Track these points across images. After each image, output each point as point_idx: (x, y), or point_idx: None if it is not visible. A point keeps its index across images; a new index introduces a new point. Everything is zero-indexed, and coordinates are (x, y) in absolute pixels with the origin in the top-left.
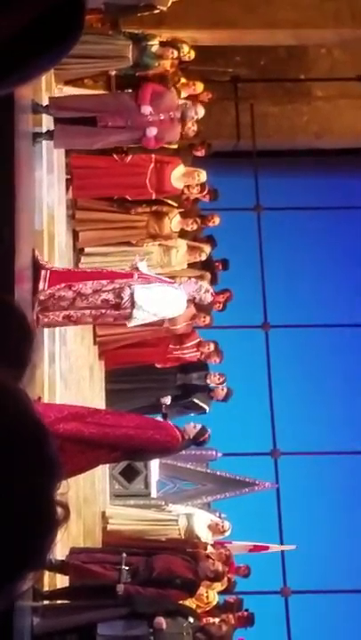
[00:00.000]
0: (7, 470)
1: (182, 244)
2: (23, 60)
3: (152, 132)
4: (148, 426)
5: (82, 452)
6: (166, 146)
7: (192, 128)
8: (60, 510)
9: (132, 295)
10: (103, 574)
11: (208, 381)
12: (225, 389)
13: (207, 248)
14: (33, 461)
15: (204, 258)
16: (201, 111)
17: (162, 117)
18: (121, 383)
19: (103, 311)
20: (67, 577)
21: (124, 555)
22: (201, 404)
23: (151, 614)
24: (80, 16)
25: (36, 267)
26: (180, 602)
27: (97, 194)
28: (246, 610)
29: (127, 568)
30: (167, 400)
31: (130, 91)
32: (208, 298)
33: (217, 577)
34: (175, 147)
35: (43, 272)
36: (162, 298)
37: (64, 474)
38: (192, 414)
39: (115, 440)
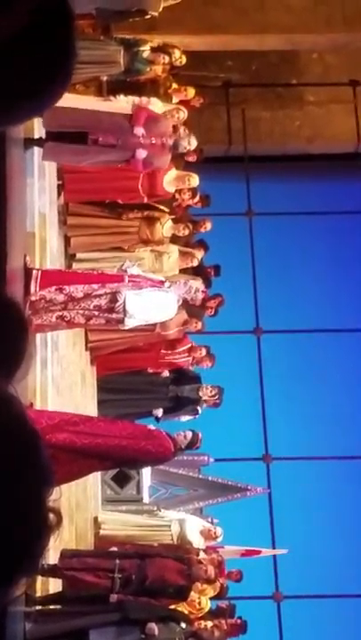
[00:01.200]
0: None
1: (174, 250)
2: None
3: (141, 154)
4: (141, 435)
5: (74, 461)
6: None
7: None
8: (52, 516)
9: (124, 302)
10: (97, 584)
11: (200, 394)
12: (217, 402)
13: (199, 254)
14: (25, 468)
15: (195, 263)
16: (194, 142)
17: (153, 141)
18: (113, 392)
19: (96, 313)
20: (60, 581)
21: (117, 561)
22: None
23: (143, 620)
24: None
25: (27, 270)
26: (173, 607)
27: (89, 198)
28: (239, 617)
29: (120, 576)
30: (159, 413)
31: (121, 97)
32: (199, 297)
33: (209, 581)
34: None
35: (34, 272)
36: (153, 303)
37: (56, 481)
38: (184, 417)
39: (107, 450)
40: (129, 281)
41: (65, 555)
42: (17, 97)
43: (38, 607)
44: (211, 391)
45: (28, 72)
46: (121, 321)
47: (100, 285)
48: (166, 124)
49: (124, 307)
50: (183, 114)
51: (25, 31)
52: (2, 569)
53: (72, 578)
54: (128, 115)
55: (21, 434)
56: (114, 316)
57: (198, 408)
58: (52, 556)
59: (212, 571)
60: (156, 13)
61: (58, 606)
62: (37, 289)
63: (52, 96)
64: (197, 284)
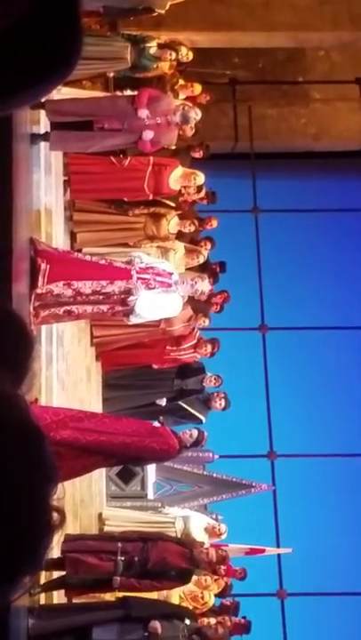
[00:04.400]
0: (3, 474)
1: (180, 247)
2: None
3: (148, 135)
4: (146, 433)
5: (78, 457)
6: (165, 147)
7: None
8: (55, 515)
9: (136, 299)
10: (99, 566)
11: (204, 384)
12: (223, 403)
13: (205, 251)
14: (29, 466)
15: (202, 260)
16: (199, 113)
17: (159, 121)
18: (118, 388)
19: (104, 308)
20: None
21: (120, 544)
22: (197, 414)
23: (147, 618)
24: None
25: (34, 263)
26: (178, 603)
27: (95, 197)
28: (244, 617)
29: (123, 558)
30: (162, 402)
31: (128, 93)
32: (206, 292)
33: (211, 564)
34: (173, 148)
35: (42, 266)
36: (159, 303)
37: (60, 478)
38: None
39: (111, 448)
40: (138, 279)
41: (68, 539)
42: (23, 74)
43: (42, 603)
44: (215, 381)
45: (30, 56)
46: (127, 314)
47: (109, 282)
48: (169, 102)
49: (134, 303)
50: (199, 112)
51: (27, 17)
52: (5, 567)
53: (74, 560)
54: (130, 97)
55: (25, 432)
56: (123, 308)
57: (202, 417)
58: (55, 553)
59: (213, 554)
60: (162, 11)
61: (61, 590)
62: (45, 282)
63: (59, 74)
64: (204, 285)
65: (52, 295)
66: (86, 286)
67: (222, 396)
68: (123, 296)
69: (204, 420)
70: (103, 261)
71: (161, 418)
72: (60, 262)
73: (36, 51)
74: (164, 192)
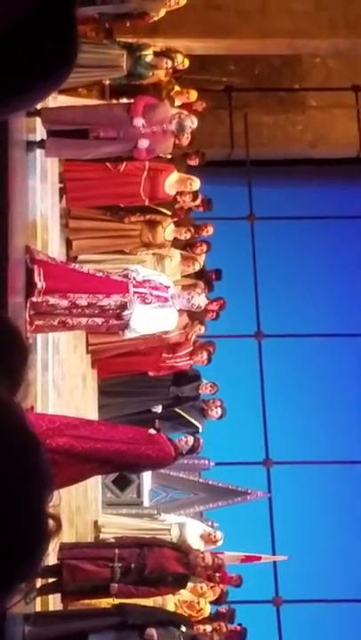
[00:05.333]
0: None
1: (176, 254)
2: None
3: (144, 143)
4: (142, 440)
5: (74, 465)
6: (161, 155)
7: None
8: (51, 522)
9: (131, 314)
10: (96, 572)
11: (200, 392)
12: (219, 412)
13: (201, 258)
14: (25, 473)
15: (197, 268)
16: (195, 121)
17: (154, 129)
18: (114, 395)
19: (99, 322)
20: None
21: (117, 551)
22: (194, 421)
23: (143, 625)
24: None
25: (31, 272)
26: (174, 610)
27: (91, 204)
28: (239, 624)
29: (120, 565)
30: (158, 409)
31: (124, 100)
32: (202, 306)
33: (207, 569)
34: (169, 157)
35: (39, 278)
36: (155, 317)
37: (56, 485)
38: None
39: (107, 455)
40: (134, 293)
41: (64, 547)
42: (23, 75)
43: (38, 609)
44: (211, 389)
45: (30, 57)
46: (123, 329)
47: (106, 296)
48: (164, 110)
49: (129, 318)
50: (195, 120)
51: (26, 17)
52: (1, 574)
53: (72, 567)
54: (126, 105)
55: (21, 439)
56: (118, 322)
57: (199, 425)
58: (50, 561)
59: (209, 558)
60: (157, 14)
61: (57, 594)
62: (41, 293)
63: (58, 75)
64: (201, 299)
65: (48, 305)
66: (82, 298)
67: (218, 404)
68: (118, 310)
69: (200, 429)
70: (100, 274)
71: (157, 423)
72: (57, 274)
73: (35, 51)
74: (160, 197)
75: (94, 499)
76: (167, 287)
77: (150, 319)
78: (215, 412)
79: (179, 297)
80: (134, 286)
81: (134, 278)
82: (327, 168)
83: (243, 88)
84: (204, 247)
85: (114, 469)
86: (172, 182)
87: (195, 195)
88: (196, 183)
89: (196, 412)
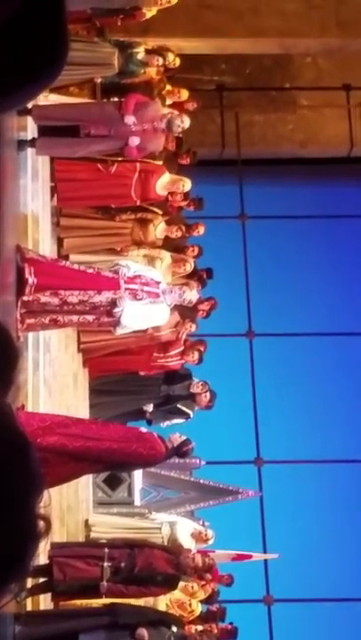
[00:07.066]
0: None
1: (166, 256)
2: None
3: (134, 141)
4: (133, 438)
5: (65, 464)
6: (150, 160)
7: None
8: (41, 523)
9: (122, 311)
10: (86, 570)
11: (191, 390)
12: (207, 396)
13: (191, 259)
14: (15, 473)
15: (189, 269)
16: (187, 121)
17: (145, 127)
18: (105, 394)
19: (90, 319)
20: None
21: (106, 550)
22: (185, 409)
23: (133, 625)
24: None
25: (22, 271)
26: (165, 610)
27: (82, 204)
28: (230, 623)
29: (109, 564)
30: (149, 408)
31: (115, 99)
32: (194, 301)
33: (197, 569)
34: (161, 155)
35: (29, 275)
36: (146, 313)
37: (46, 484)
38: (176, 420)
39: (98, 454)
40: (125, 289)
41: (54, 546)
42: (11, 79)
43: (28, 609)
44: (202, 387)
45: (20, 56)
46: (114, 326)
47: (97, 292)
48: (155, 108)
49: (120, 315)
50: (187, 121)
51: (17, 17)
52: None
53: (62, 564)
54: (117, 103)
55: (11, 439)
56: (109, 319)
57: (190, 412)
58: (41, 560)
59: (199, 559)
60: (150, 10)
61: (47, 593)
62: (32, 291)
63: (44, 79)
64: (192, 294)
65: (39, 303)
66: (73, 295)
67: (206, 389)
68: (109, 307)
69: (191, 415)
70: (91, 270)
71: (150, 409)
72: (48, 271)
73: (25, 50)
74: (151, 198)
75: (85, 498)
76: (158, 283)
77: (141, 315)
78: (204, 396)
79: (170, 292)
80: (125, 282)
81: (125, 274)
82: (318, 167)
83: (234, 87)
84: (196, 250)
85: (105, 468)
86: (163, 183)
87: (185, 195)
88: (187, 184)
89: (186, 401)
